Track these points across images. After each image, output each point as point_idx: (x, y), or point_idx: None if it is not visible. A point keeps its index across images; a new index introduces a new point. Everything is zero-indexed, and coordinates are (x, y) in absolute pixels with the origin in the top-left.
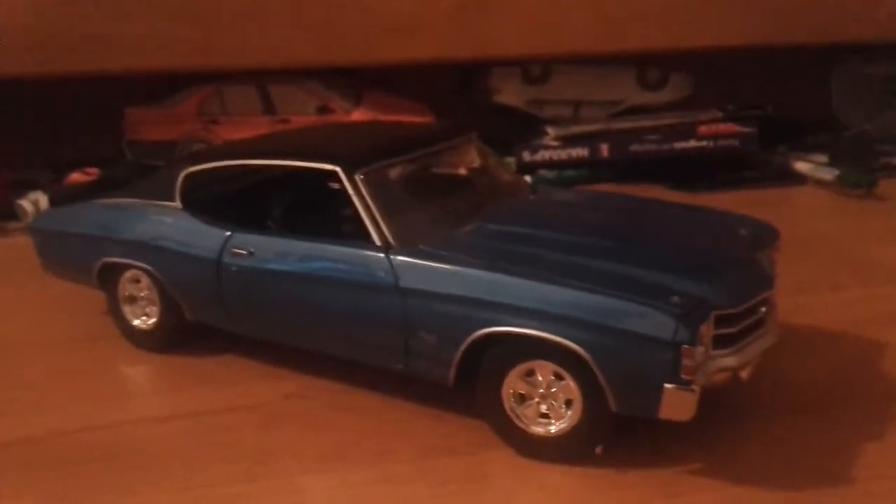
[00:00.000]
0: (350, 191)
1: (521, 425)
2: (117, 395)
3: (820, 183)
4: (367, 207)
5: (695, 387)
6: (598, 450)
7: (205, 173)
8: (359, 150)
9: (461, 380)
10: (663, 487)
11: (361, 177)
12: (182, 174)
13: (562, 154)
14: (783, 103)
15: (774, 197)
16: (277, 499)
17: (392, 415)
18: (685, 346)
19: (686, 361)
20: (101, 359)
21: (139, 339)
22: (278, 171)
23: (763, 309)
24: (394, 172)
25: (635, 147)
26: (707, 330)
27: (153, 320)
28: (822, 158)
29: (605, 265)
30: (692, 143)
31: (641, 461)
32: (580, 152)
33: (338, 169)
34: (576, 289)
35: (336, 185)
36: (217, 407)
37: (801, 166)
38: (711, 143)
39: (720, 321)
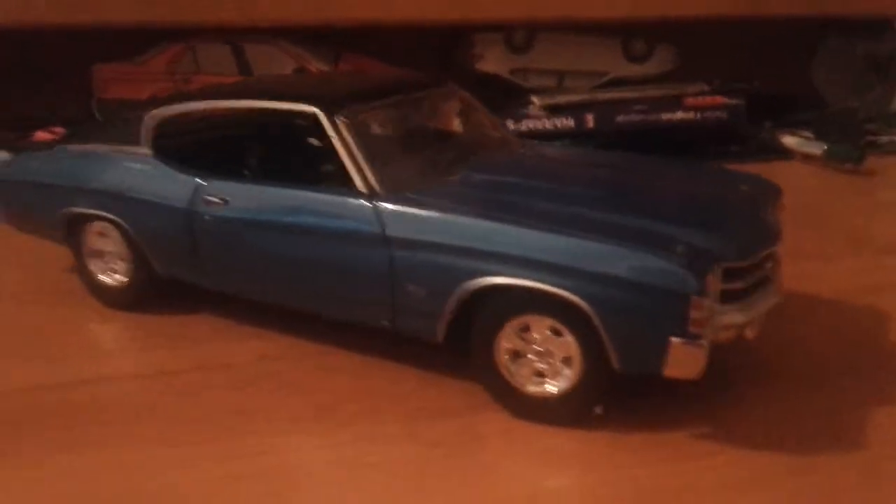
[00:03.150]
0: (331, 133)
1: (516, 384)
2: (82, 352)
3: (807, 158)
4: (349, 151)
5: (703, 341)
6: (598, 410)
7: (176, 118)
8: (339, 93)
9: (451, 336)
10: (666, 450)
11: (343, 119)
12: (151, 119)
13: (546, 124)
14: (767, 79)
15: (762, 171)
16: (254, 460)
17: (376, 377)
18: (694, 296)
19: (694, 313)
20: (65, 316)
21: (106, 295)
22: (254, 115)
23: (769, 265)
24: (376, 117)
25: (621, 118)
26: (714, 283)
27: (121, 276)
28: (809, 134)
29: (604, 215)
30: (679, 115)
31: (642, 423)
32: (565, 122)
33: (317, 110)
34: (576, 237)
35: (315, 130)
36: (188, 366)
37: (789, 141)
38: (698, 115)
39: (726, 275)
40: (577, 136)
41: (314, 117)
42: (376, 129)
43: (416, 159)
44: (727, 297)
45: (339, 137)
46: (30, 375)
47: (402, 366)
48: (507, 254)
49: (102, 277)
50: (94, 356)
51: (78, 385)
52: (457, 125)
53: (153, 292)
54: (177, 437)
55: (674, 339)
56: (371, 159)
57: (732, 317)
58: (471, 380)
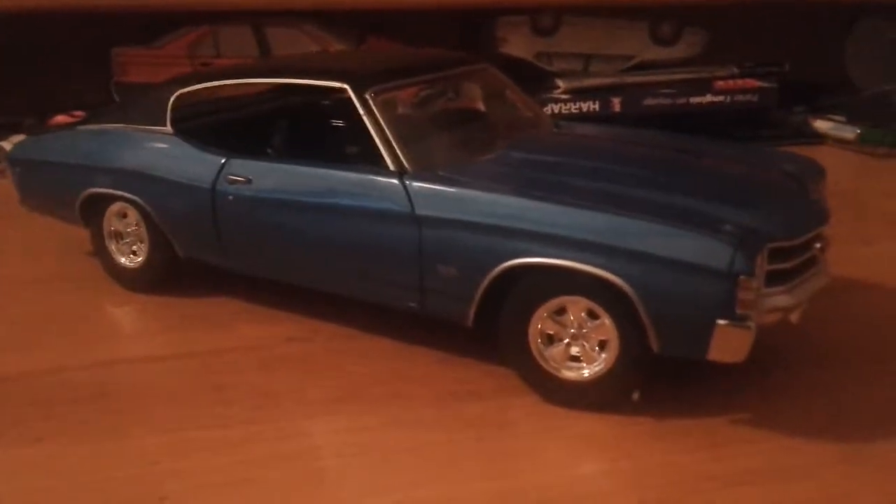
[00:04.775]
0: (360, 110)
1: (550, 369)
2: (103, 335)
3: (840, 142)
4: (378, 128)
5: (751, 323)
6: (635, 396)
7: (198, 96)
8: (370, 69)
9: (481, 319)
10: (707, 437)
11: (372, 95)
12: (172, 96)
13: (572, 108)
14: (797, 63)
15: None
16: (281, 443)
17: (402, 360)
18: (742, 276)
19: (742, 294)
20: (85, 299)
21: (126, 278)
22: (278, 93)
23: (818, 245)
24: (407, 94)
25: (649, 101)
26: (762, 263)
27: (141, 258)
28: (841, 118)
29: (646, 193)
30: (708, 98)
31: (680, 409)
32: (591, 106)
33: (346, 86)
34: (617, 214)
35: (343, 107)
36: (212, 348)
37: (821, 125)
38: (728, 99)
39: (773, 255)
40: (602, 120)
41: (343, 93)
42: (407, 106)
43: (449, 138)
44: (773, 279)
45: (368, 113)
46: (51, 359)
47: (426, 349)
48: (544, 232)
49: (122, 260)
50: (115, 339)
51: (96, 367)
52: (491, 104)
53: (174, 275)
54: (199, 420)
55: (720, 322)
56: (401, 137)
57: (779, 299)
58: (496, 362)
